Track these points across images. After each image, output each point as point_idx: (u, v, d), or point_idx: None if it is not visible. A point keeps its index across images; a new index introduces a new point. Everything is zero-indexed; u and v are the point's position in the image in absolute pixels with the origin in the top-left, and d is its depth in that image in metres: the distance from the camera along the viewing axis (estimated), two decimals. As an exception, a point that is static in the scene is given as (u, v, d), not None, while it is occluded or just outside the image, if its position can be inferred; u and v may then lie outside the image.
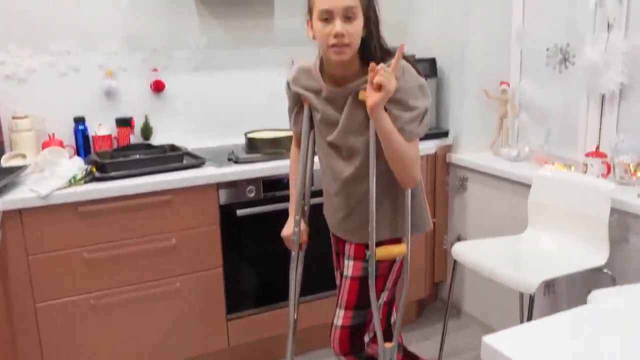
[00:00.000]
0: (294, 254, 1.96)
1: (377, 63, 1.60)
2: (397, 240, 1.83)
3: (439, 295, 3.25)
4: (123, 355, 2.35)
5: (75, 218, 2.18)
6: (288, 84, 1.86)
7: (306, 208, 1.98)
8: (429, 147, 2.85)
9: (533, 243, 2.36)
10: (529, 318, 2.09)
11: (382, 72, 1.55)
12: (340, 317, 1.86)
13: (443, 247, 3.09)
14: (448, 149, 2.98)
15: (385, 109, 1.64)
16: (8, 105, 2.51)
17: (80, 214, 2.18)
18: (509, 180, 2.65)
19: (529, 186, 2.46)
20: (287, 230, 1.98)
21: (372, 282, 1.77)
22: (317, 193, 2.00)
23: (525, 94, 2.81)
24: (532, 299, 2.05)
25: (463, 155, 2.93)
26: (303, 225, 1.97)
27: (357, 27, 1.61)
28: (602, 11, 2.36)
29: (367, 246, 1.79)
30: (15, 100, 2.52)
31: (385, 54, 1.68)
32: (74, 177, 2.18)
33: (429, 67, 2.89)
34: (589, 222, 2.19)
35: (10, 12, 2.48)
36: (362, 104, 1.67)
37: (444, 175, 3.01)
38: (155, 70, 2.76)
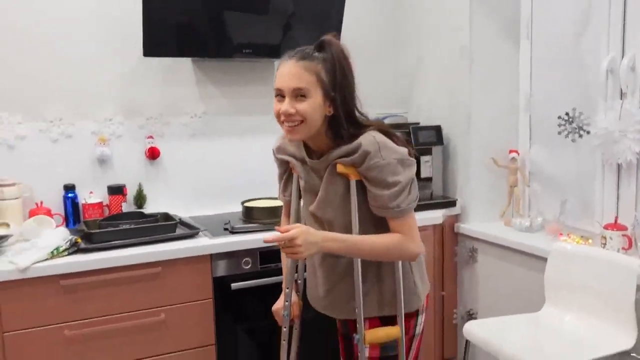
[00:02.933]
0: (284, 330, 1.80)
1: (347, 141, 1.56)
2: (389, 319, 1.68)
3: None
4: None
5: (56, 292, 2.04)
6: (274, 152, 1.82)
7: (299, 281, 1.86)
8: (436, 216, 2.76)
9: (552, 323, 2.18)
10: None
11: (284, 242, 1.49)
12: None
13: (453, 322, 2.91)
14: (456, 218, 2.86)
15: (365, 187, 1.59)
16: (-5, 172, 2.42)
17: (62, 288, 2.05)
18: (522, 252, 2.51)
19: (544, 259, 2.32)
20: (278, 303, 1.85)
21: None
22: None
23: (535, 162, 2.71)
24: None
25: (472, 225, 2.80)
26: (295, 298, 1.83)
27: (310, 106, 1.54)
28: (613, 78, 2.28)
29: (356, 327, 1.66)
30: (2, 167, 2.43)
31: (358, 129, 1.59)
32: (57, 249, 2.06)
33: (435, 135, 2.82)
34: (613, 301, 2.02)
35: (1, 78, 2.43)
36: (341, 176, 1.60)
37: (452, 245, 2.87)
38: (151, 137, 2.68)
